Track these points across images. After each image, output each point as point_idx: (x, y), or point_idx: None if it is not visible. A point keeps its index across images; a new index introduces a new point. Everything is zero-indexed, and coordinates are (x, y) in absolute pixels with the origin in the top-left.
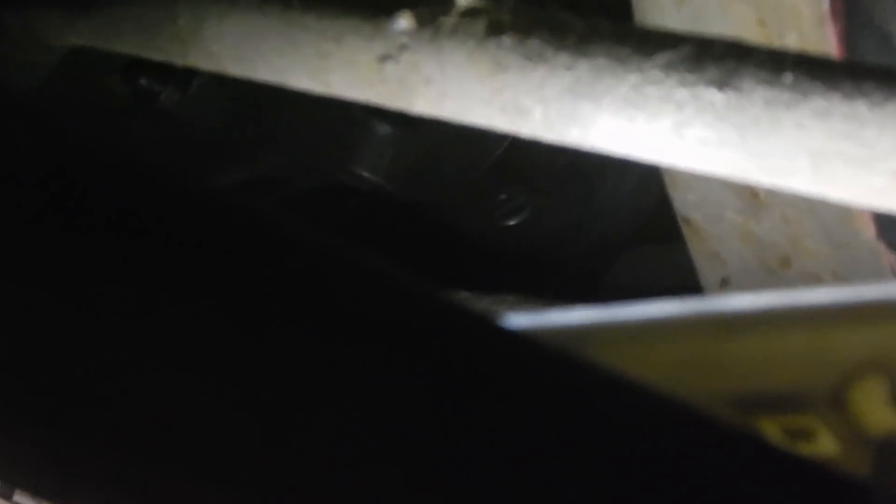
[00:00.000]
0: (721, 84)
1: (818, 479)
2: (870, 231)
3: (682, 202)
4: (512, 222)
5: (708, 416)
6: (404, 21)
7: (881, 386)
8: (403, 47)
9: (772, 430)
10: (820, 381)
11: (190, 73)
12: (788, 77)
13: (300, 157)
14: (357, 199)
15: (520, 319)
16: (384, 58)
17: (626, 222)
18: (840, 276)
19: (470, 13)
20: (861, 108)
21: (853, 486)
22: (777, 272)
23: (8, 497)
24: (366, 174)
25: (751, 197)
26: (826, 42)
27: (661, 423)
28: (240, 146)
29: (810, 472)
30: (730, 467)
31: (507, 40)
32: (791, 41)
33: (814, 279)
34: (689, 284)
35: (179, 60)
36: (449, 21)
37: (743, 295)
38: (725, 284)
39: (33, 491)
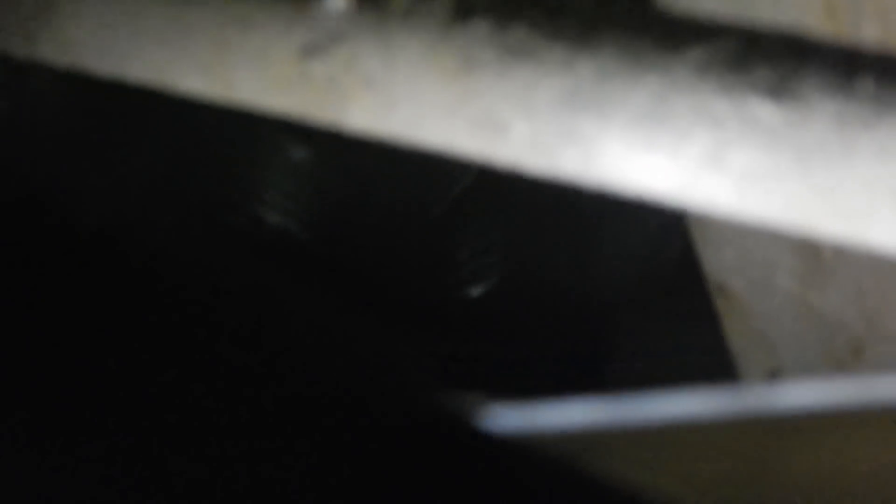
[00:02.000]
0: (775, 92)
1: None
2: None
3: (717, 263)
4: (476, 291)
5: None
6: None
7: None
8: (336, 36)
9: None
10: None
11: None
12: (868, 83)
13: (174, 188)
14: (256, 248)
15: (503, 419)
16: (309, 50)
17: (635, 287)
18: None
19: None
20: None
21: None
22: (846, 362)
23: None
24: (271, 215)
25: (812, 256)
26: None
27: None
28: (94, 164)
29: None
30: None
31: (480, 27)
32: (870, 34)
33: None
34: (723, 373)
35: (23, 52)
36: (397, 2)
37: (801, 388)
38: (775, 376)
39: None
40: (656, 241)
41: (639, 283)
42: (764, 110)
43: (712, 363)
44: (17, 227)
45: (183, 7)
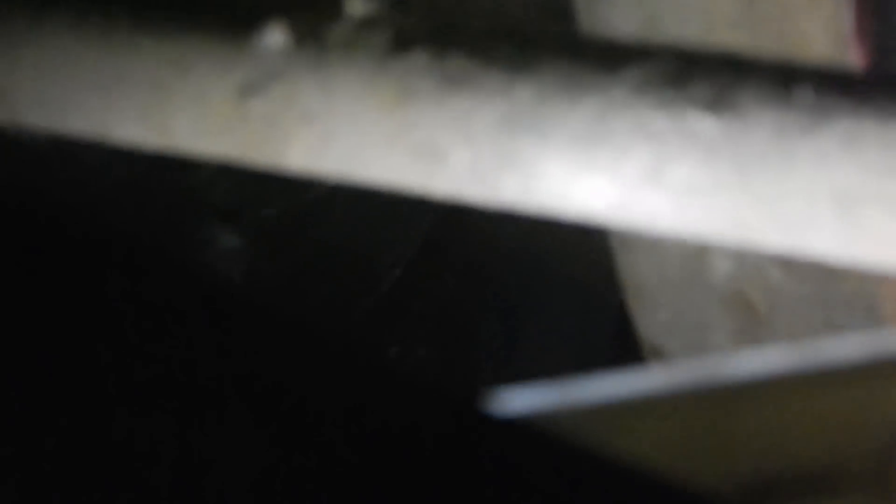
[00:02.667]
0: (714, 106)
1: None
2: None
3: (649, 323)
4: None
5: None
6: (277, 34)
7: None
8: (274, 73)
9: None
10: (859, 452)
11: None
12: (805, 94)
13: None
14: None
15: (503, 404)
16: (247, 89)
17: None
18: None
19: (367, 23)
20: None
21: None
22: None
23: None
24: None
25: (746, 312)
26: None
27: None
28: None
29: None
30: None
31: (419, 58)
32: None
33: None
34: None
35: None
36: (338, 33)
37: (757, 355)
38: None
39: None
40: (590, 315)
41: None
42: (703, 124)
43: None
44: None
45: (119, 51)
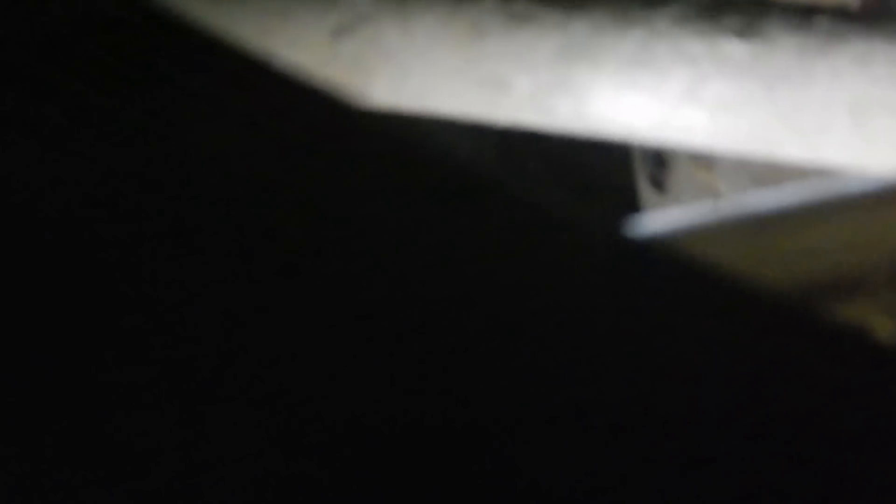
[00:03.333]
0: (744, 33)
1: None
2: None
3: None
4: None
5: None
6: None
7: None
8: (363, 16)
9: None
10: (877, 263)
11: None
12: (823, 21)
13: None
14: None
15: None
16: (339, 31)
17: None
18: None
19: None
20: None
21: None
22: None
23: None
24: None
25: None
26: None
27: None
28: None
29: (884, 352)
30: (808, 347)
31: (486, 1)
32: None
33: None
34: None
35: None
36: None
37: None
38: None
39: None
40: None
41: None
42: (733, 48)
43: None
44: None
45: (229, 5)
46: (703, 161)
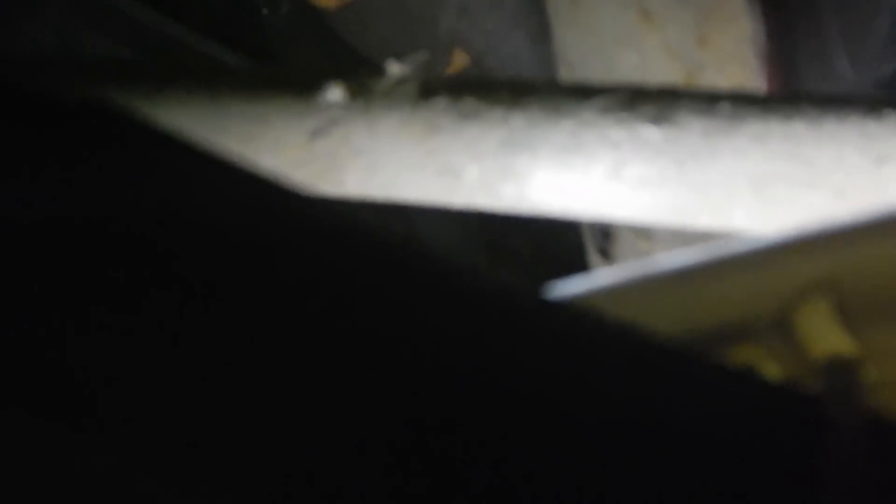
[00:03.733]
0: (657, 120)
1: (778, 397)
2: None
3: None
4: None
5: (678, 349)
6: (336, 91)
7: (824, 307)
8: (334, 120)
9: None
10: (764, 310)
11: None
12: (725, 106)
13: None
14: None
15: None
16: (314, 133)
17: None
18: None
19: (402, 80)
20: (799, 127)
21: (808, 401)
22: None
23: None
24: None
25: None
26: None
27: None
28: None
29: (771, 390)
30: (697, 388)
31: (440, 102)
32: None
33: None
34: None
35: None
36: (381, 88)
37: (683, 252)
38: None
39: None
40: None
41: None
42: (649, 133)
43: None
44: None
45: (220, 112)
46: (642, 231)
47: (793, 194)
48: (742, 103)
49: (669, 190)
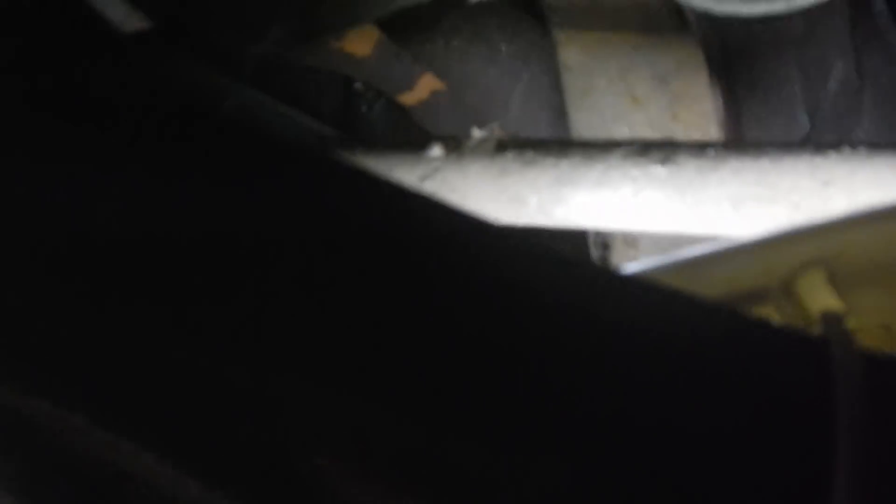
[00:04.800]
0: (663, 161)
1: (788, 339)
2: None
3: None
4: None
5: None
6: (437, 149)
7: (819, 276)
8: (437, 168)
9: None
10: (774, 279)
11: None
12: (711, 151)
13: None
14: None
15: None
16: (423, 177)
17: None
18: None
19: (483, 140)
20: (765, 163)
21: (812, 341)
22: None
23: None
24: None
25: None
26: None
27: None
28: None
29: (784, 332)
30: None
31: (509, 154)
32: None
33: None
34: None
35: None
36: (468, 145)
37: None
38: None
39: None
40: None
41: None
42: (658, 171)
43: None
44: None
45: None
46: (630, 240)
47: (761, 209)
48: (723, 148)
49: (672, 209)
